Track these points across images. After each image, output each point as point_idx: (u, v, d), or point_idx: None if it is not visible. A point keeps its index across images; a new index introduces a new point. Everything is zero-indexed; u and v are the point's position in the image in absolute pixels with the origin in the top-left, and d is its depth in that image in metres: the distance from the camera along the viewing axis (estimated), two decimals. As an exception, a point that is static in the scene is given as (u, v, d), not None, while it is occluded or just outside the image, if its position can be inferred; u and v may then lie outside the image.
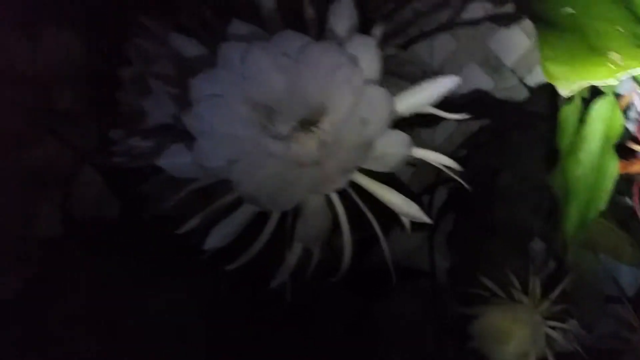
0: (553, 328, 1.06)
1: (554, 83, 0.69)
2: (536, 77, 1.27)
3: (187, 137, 0.65)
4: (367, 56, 0.62)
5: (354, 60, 0.61)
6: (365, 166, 0.62)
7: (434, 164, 0.65)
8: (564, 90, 0.68)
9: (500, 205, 1.12)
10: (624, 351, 1.09)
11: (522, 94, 1.28)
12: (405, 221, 0.66)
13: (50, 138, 1.06)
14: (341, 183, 0.61)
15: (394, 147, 0.62)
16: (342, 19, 0.63)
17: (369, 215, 0.65)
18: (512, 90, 1.29)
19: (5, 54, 1.03)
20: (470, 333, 1.09)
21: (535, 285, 1.08)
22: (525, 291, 1.08)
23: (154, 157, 0.73)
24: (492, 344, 1.09)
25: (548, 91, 1.22)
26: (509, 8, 1.11)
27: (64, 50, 1.07)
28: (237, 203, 0.65)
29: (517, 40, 1.25)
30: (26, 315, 0.98)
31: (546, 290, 1.08)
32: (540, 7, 0.72)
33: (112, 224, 1.09)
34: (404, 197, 0.64)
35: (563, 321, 1.06)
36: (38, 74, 1.05)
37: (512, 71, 1.29)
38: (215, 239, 0.65)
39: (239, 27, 0.63)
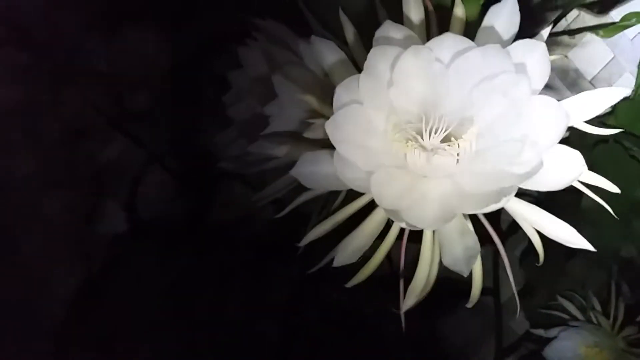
0: (638, 356, 1.01)
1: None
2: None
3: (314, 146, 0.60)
4: (535, 63, 0.54)
5: (520, 68, 0.54)
6: (528, 187, 0.55)
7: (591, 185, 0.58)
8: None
9: (584, 224, 1.06)
10: None
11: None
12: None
13: (121, 137, 1.05)
14: (494, 204, 0.52)
15: (564, 167, 0.55)
16: (505, 19, 0.57)
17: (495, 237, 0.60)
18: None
19: (81, 52, 1.02)
20: (545, 356, 1.04)
21: (619, 307, 1.03)
22: (607, 314, 1.03)
23: (266, 164, 0.71)
24: (570, 369, 1.03)
25: (630, 106, 1.19)
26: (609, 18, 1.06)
27: (143, 49, 1.05)
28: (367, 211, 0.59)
29: (598, 53, 1.20)
30: (89, 312, 0.96)
31: (630, 314, 1.03)
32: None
33: (179, 225, 1.08)
34: (568, 226, 0.58)
35: (650, 349, 1.01)
36: (114, 72, 1.04)
37: (592, 84, 1.25)
38: (346, 255, 0.57)
39: (389, 29, 0.57)
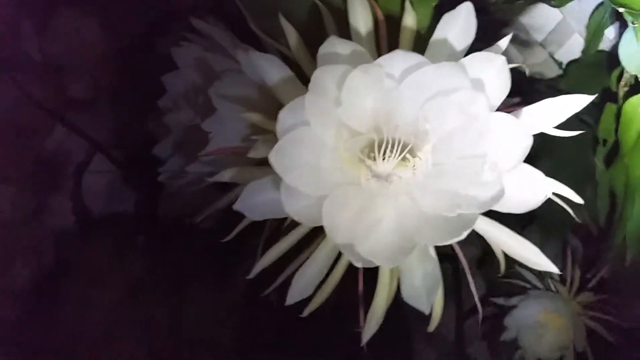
0: (593, 319, 1.01)
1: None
2: (567, 54, 1.20)
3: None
4: (494, 77, 0.49)
5: (477, 84, 0.49)
6: (497, 209, 0.50)
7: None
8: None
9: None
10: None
11: (552, 71, 1.21)
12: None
13: (61, 127, 0.99)
14: (455, 237, 0.48)
15: (528, 190, 0.51)
16: (460, 29, 0.51)
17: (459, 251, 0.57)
18: (542, 66, 1.22)
19: (15, 40, 0.94)
20: (506, 324, 1.04)
21: (575, 275, 1.03)
22: (563, 282, 1.04)
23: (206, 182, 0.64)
24: (530, 336, 1.04)
25: (580, 69, 1.16)
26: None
27: (80, 37, 0.97)
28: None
29: (547, 15, 1.17)
30: (39, 305, 0.92)
31: (585, 280, 1.03)
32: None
33: (127, 215, 1.03)
34: (534, 247, 0.55)
35: (603, 311, 1.01)
36: (50, 61, 0.96)
37: (542, 46, 1.22)
38: (298, 290, 0.53)
39: (335, 45, 0.50)
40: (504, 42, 0.52)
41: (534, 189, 0.50)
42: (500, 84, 0.48)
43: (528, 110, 0.52)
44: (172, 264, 0.99)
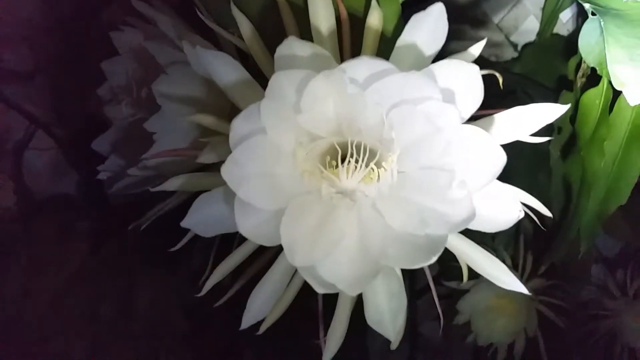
0: (543, 304, 1.01)
1: (624, 90, 0.57)
2: (523, 36, 1.18)
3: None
4: (466, 87, 0.44)
5: (447, 94, 0.44)
6: (472, 227, 0.47)
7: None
8: (635, 98, 0.56)
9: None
10: (604, 317, 1.06)
11: (508, 53, 1.19)
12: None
13: None
14: (423, 261, 0.44)
15: (501, 206, 0.47)
16: (429, 32, 0.46)
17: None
18: (498, 49, 1.19)
19: None
20: (458, 308, 1.03)
21: (527, 260, 1.02)
22: (515, 267, 1.03)
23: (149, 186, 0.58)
24: (482, 320, 1.03)
25: (536, 53, 1.14)
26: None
27: (17, 5, 0.89)
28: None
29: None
30: None
31: (536, 265, 1.03)
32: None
33: (69, 196, 0.97)
34: (501, 265, 0.51)
35: (553, 296, 1.01)
36: None
37: (499, 28, 1.19)
38: (254, 312, 0.48)
39: (293, 46, 0.45)
40: (476, 49, 0.47)
41: (507, 207, 0.47)
42: (472, 95, 0.44)
43: (500, 118, 0.48)
44: (117, 249, 0.94)
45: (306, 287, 0.52)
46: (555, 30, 1.07)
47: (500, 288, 1.04)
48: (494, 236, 1.06)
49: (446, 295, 1.08)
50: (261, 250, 0.51)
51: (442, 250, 0.44)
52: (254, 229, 0.44)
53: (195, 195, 0.51)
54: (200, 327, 0.92)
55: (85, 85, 0.92)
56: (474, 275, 1.05)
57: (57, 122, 0.97)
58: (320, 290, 0.43)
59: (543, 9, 1.06)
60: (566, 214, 0.89)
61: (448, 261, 0.99)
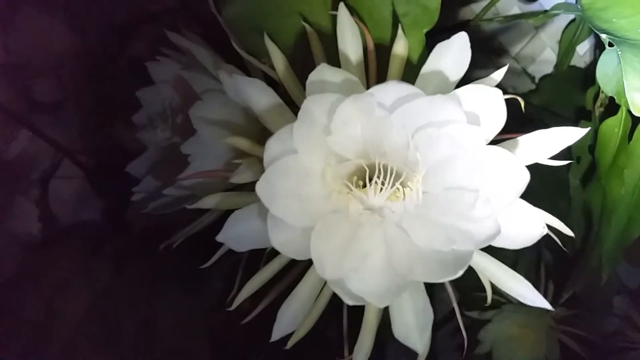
0: (565, 333, 1.02)
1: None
2: (540, 68, 1.21)
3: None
4: (490, 111, 0.48)
5: (472, 117, 0.47)
6: (493, 244, 0.49)
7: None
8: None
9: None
10: (628, 349, 1.06)
11: (525, 85, 1.22)
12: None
13: (26, 131, 0.95)
14: (451, 275, 0.46)
15: (525, 224, 0.49)
16: (453, 60, 0.50)
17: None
18: (515, 80, 1.22)
19: None
20: (480, 338, 1.04)
21: (548, 289, 1.03)
22: (537, 296, 1.04)
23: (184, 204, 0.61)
24: (504, 350, 1.04)
25: (553, 84, 1.17)
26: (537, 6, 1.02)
27: (46, 37, 0.94)
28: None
29: (521, 29, 1.17)
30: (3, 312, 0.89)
31: (558, 295, 1.04)
32: (618, 26, 0.61)
33: (95, 223, 1.00)
34: (526, 282, 0.54)
35: (575, 326, 1.02)
36: (15, 61, 0.93)
37: (515, 59, 1.22)
38: (284, 325, 0.51)
39: (325, 73, 0.48)
40: (498, 75, 0.50)
41: (530, 225, 0.49)
42: (495, 118, 0.47)
43: (521, 141, 0.51)
44: (141, 273, 0.97)
45: (331, 304, 0.55)
46: (572, 63, 1.10)
47: (522, 317, 1.06)
48: (514, 264, 1.07)
49: (467, 325, 1.08)
50: (287, 267, 0.54)
51: (468, 264, 0.46)
52: (285, 244, 0.47)
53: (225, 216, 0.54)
54: (222, 348, 0.95)
55: (111, 114, 0.97)
56: (495, 304, 1.07)
57: (83, 150, 1.00)
58: (349, 302, 0.46)
59: (560, 41, 1.10)
60: (587, 242, 0.90)
61: (469, 291, 1.01)
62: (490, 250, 0.52)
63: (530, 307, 1.02)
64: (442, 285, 0.65)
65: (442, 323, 1.08)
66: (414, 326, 0.49)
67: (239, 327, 0.92)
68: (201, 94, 0.59)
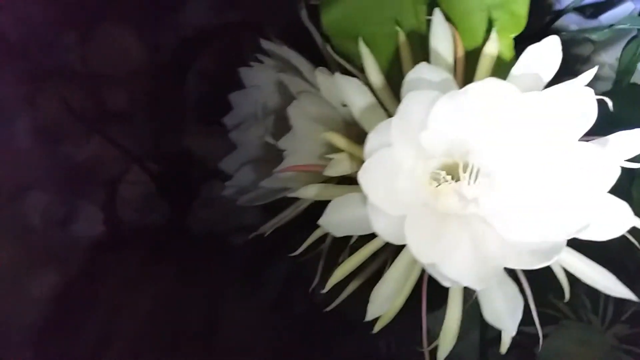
0: (628, 353, 1.02)
1: None
2: (598, 85, 1.23)
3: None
4: (582, 108, 0.52)
5: (565, 114, 0.52)
6: (580, 236, 0.53)
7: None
8: None
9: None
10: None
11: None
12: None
13: (98, 137, 1.00)
14: (545, 261, 0.50)
15: (611, 219, 0.53)
16: (544, 65, 0.54)
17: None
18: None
19: (59, 51, 0.96)
20: (536, 353, 1.05)
21: (608, 305, 1.04)
22: (596, 312, 1.04)
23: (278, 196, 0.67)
24: (560, 367, 1.04)
25: (615, 101, 1.19)
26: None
27: (121, 50, 1.00)
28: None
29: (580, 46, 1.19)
30: (67, 313, 0.93)
31: (618, 311, 1.04)
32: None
33: (159, 227, 1.05)
34: (611, 275, 0.57)
35: (638, 345, 1.02)
36: (89, 72, 0.99)
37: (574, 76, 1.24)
38: (378, 306, 0.55)
39: (424, 71, 0.53)
40: (588, 75, 0.54)
41: (618, 219, 0.52)
42: (587, 115, 0.51)
43: (610, 140, 0.54)
44: (205, 274, 1.01)
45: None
46: (633, 80, 1.12)
47: (581, 334, 1.07)
48: (574, 281, 1.08)
49: (522, 341, 1.09)
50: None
51: (561, 250, 0.50)
52: (385, 229, 0.51)
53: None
54: (284, 347, 0.98)
55: (179, 122, 1.02)
56: (552, 320, 1.08)
57: (152, 157, 1.05)
58: (446, 284, 0.50)
59: (620, 58, 1.12)
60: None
61: (525, 306, 1.02)
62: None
63: (589, 323, 1.03)
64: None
65: (494, 342, 1.10)
66: (504, 312, 0.53)
67: (302, 325, 0.97)
68: (296, 94, 0.65)
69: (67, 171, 0.98)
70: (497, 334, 1.14)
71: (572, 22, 1.06)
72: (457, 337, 1.07)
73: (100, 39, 0.97)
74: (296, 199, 0.67)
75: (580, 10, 1.03)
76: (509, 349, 1.16)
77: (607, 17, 1.05)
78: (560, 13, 0.97)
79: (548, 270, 1.02)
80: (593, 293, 1.06)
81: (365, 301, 0.57)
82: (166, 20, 0.99)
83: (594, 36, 1.06)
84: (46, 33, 0.95)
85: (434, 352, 0.59)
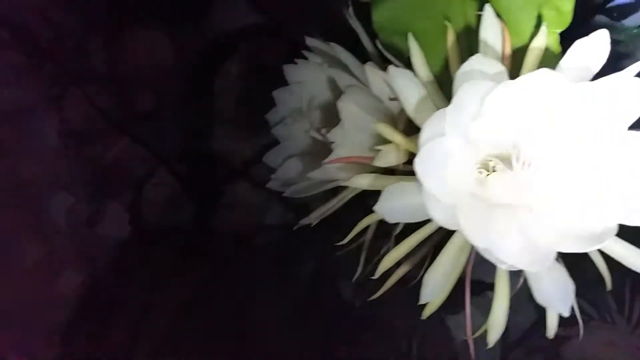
0: (655, 353, 1.03)
1: None
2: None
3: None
4: (630, 100, 0.54)
5: (613, 105, 0.54)
6: (627, 222, 0.55)
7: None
8: None
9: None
10: None
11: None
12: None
13: (126, 139, 1.02)
14: (596, 244, 0.53)
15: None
16: (592, 57, 0.56)
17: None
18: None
19: (86, 54, 0.99)
20: (561, 354, 1.06)
21: (634, 305, 1.05)
22: (622, 312, 1.05)
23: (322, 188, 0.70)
24: (587, 368, 1.05)
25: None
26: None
27: (147, 53, 1.02)
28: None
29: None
30: (92, 313, 0.94)
31: (646, 312, 1.05)
32: None
33: (184, 227, 1.06)
34: None
35: (665, 346, 1.03)
36: (118, 74, 1.01)
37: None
38: (431, 290, 0.58)
39: (479, 63, 0.55)
40: (634, 68, 0.56)
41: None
42: (635, 106, 0.54)
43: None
44: (232, 273, 1.02)
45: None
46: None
47: (606, 335, 1.07)
48: (599, 282, 1.09)
49: (547, 342, 1.10)
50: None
51: (614, 233, 0.52)
52: (440, 215, 0.54)
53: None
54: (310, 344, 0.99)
55: (206, 124, 1.05)
56: (577, 321, 1.09)
57: (178, 158, 1.07)
58: (503, 267, 0.52)
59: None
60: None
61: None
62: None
63: (614, 324, 1.04)
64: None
65: (518, 342, 1.11)
66: (555, 296, 0.55)
67: (335, 324, 0.98)
68: (345, 89, 0.68)
69: (95, 172, 0.99)
70: (518, 338, 1.16)
71: (600, 23, 1.09)
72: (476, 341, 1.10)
73: (129, 42, 0.99)
74: (338, 191, 0.69)
75: (607, 13, 1.05)
76: (533, 352, 1.18)
77: (632, 20, 1.07)
78: (593, 13, 1.00)
79: (572, 270, 1.04)
80: (619, 294, 1.08)
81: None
82: (196, 23, 1.02)
83: (621, 37, 1.08)
84: (76, 36, 0.97)
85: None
